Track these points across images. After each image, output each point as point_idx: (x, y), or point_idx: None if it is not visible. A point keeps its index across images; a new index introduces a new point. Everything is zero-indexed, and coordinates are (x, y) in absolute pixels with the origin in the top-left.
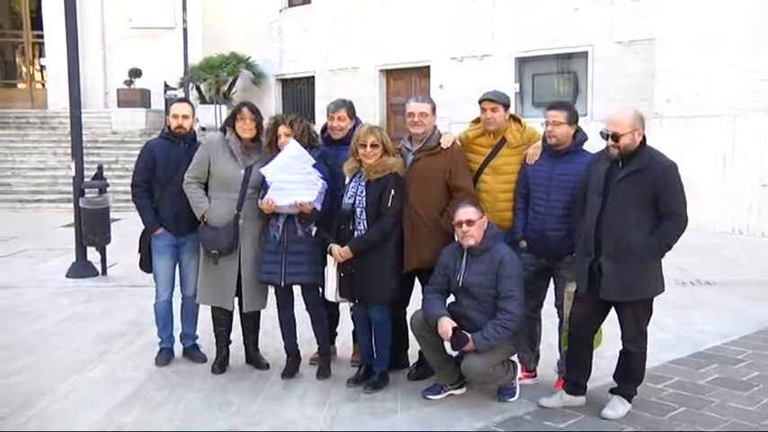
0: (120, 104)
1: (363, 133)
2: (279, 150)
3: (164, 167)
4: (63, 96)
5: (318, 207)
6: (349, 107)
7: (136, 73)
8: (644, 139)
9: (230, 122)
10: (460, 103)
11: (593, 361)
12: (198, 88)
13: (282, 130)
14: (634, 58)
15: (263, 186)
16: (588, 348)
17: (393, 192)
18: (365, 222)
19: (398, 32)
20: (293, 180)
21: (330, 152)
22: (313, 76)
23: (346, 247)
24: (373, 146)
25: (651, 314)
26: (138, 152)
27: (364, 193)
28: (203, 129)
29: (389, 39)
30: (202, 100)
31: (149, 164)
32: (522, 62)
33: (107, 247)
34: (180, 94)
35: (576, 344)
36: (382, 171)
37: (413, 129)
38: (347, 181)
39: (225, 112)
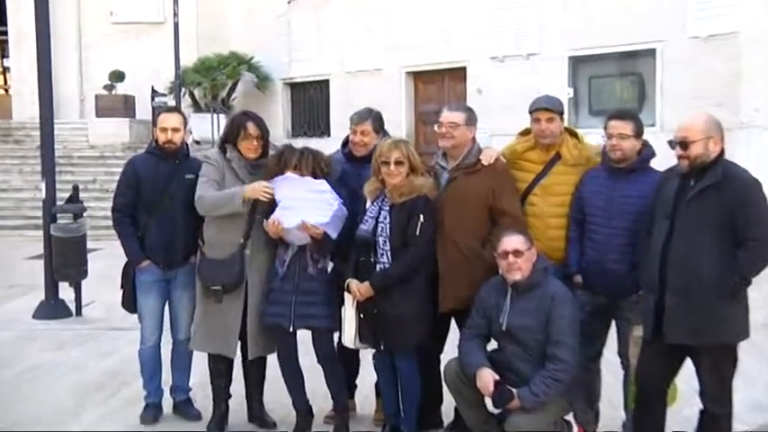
0: (100, 113)
1: (386, 148)
2: None
3: (151, 188)
4: (31, 104)
5: (334, 235)
6: (376, 119)
7: (118, 76)
8: (722, 151)
9: (231, 138)
10: (502, 112)
11: (667, 422)
12: (191, 94)
13: (289, 174)
14: (714, 57)
15: (269, 207)
16: (660, 407)
17: (422, 217)
18: (389, 253)
19: (428, 27)
20: (305, 198)
21: (351, 171)
22: (327, 80)
23: (366, 283)
24: (398, 163)
25: (736, 365)
26: (120, 170)
27: (388, 218)
28: (197, 142)
29: (417, 35)
30: (196, 108)
31: (133, 184)
32: (576, 62)
33: (83, 282)
34: (170, 101)
35: (646, 401)
36: (409, 193)
37: (441, 142)
38: (368, 204)
39: (223, 121)
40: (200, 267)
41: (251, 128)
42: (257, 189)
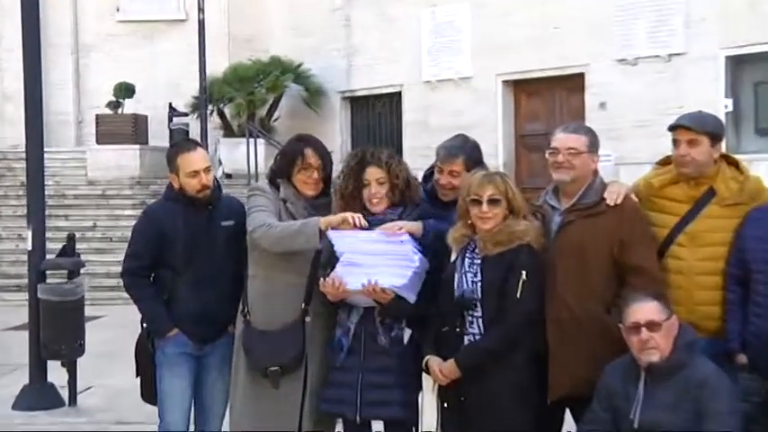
0: (101, 139)
1: (477, 183)
2: (365, 212)
3: (180, 246)
4: (14, 128)
5: (412, 298)
6: (471, 155)
7: (126, 90)
8: None
9: (284, 171)
10: (633, 133)
11: None
12: (221, 113)
13: (373, 174)
14: None
15: (328, 261)
16: None
17: (525, 274)
18: (480, 322)
19: (533, 22)
20: (375, 251)
21: (436, 214)
22: (399, 93)
23: (451, 362)
24: (492, 202)
25: None
26: (129, 213)
27: (479, 275)
28: (228, 176)
29: (518, 32)
30: (227, 131)
31: (155, 243)
32: (736, 64)
33: (79, 361)
34: (193, 122)
35: None
36: (507, 241)
37: (557, 174)
38: (453, 257)
39: (262, 148)
40: (247, 342)
41: (310, 156)
42: (339, 216)
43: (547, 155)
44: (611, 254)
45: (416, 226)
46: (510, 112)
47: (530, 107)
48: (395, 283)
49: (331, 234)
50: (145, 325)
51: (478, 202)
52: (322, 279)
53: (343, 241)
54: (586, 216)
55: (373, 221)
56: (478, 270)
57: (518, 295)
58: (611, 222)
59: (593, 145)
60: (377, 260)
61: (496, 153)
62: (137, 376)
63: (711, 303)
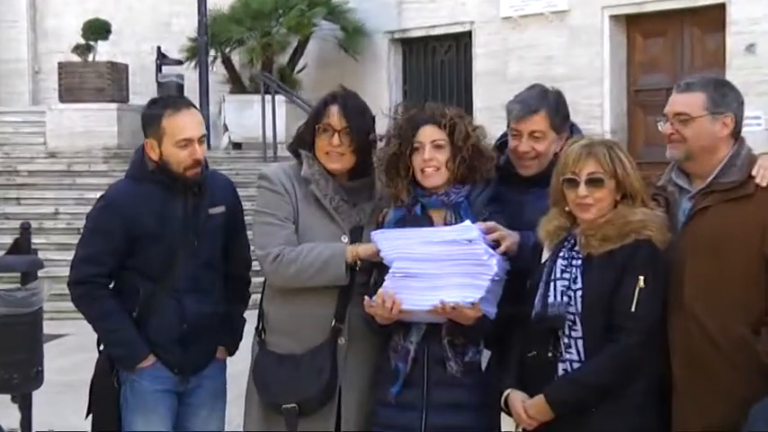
0: (66, 96)
1: (574, 156)
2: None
3: (160, 245)
4: None
5: (492, 312)
6: (555, 109)
7: (98, 30)
8: None
9: (306, 140)
10: None
11: None
12: (227, 61)
13: (429, 134)
14: None
15: (377, 271)
16: None
17: (643, 280)
18: (580, 345)
19: None
20: (437, 257)
21: (511, 198)
22: (469, 33)
23: (540, 399)
24: (594, 182)
25: None
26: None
27: (580, 281)
28: (237, 145)
29: None
30: (236, 85)
31: (122, 243)
32: None
33: (35, 394)
34: (189, 72)
35: None
36: (619, 236)
37: (668, 151)
38: (545, 257)
39: (284, 110)
40: (260, 369)
41: (333, 114)
42: (372, 246)
43: (659, 125)
44: (760, 252)
45: (512, 239)
46: (621, 59)
47: (647, 52)
48: (469, 297)
49: (375, 236)
50: (107, 351)
51: (575, 183)
52: (367, 298)
53: (391, 244)
54: (727, 200)
55: (428, 203)
56: (578, 274)
57: (633, 308)
58: (763, 209)
59: (718, 104)
60: (440, 267)
61: (601, 115)
62: (90, 417)
63: None
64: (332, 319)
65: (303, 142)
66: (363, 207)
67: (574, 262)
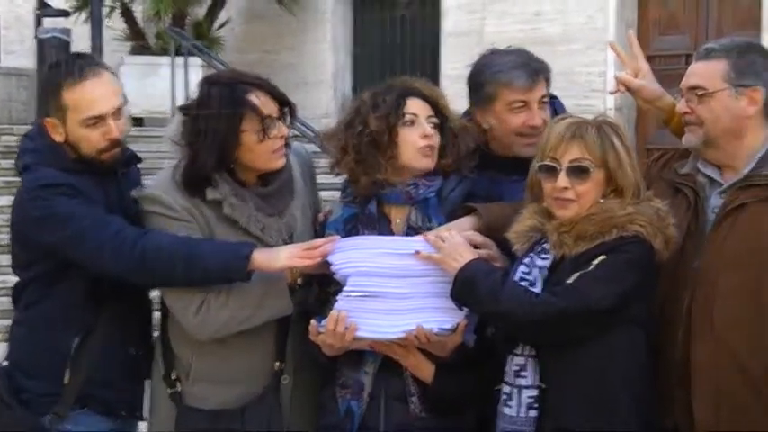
0: None
1: (556, 138)
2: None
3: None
4: None
5: (471, 340)
6: (549, 80)
7: None
8: None
9: (215, 162)
10: None
11: None
12: (126, 13)
13: (421, 107)
14: None
15: (317, 287)
16: None
17: (604, 258)
18: (533, 368)
19: None
20: (404, 272)
21: (492, 189)
22: None
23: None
24: (576, 171)
25: None
26: None
27: (539, 287)
28: (138, 121)
29: None
30: (138, 45)
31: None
32: None
33: None
34: (76, 28)
35: None
36: (598, 233)
37: (687, 134)
38: (518, 262)
39: (199, 74)
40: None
41: (263, 102)
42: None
43: (679, 103)
44: None
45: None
46: (629, 17)
47: (665, 8)
48: (447, 324)
49: (329, 247)
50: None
51: (554, 171)
52: (314, 322)
53: (344, 255)
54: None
55: (388, 197)
56: (538, 279)
57: (570, 280)
58: None
59: (743, 75)
60: (410, 285)
61: (604, 87)
62: None
63: None
64: (273, 358)
65: (207, 167)
66: (292, 213)
67: (538, 262)
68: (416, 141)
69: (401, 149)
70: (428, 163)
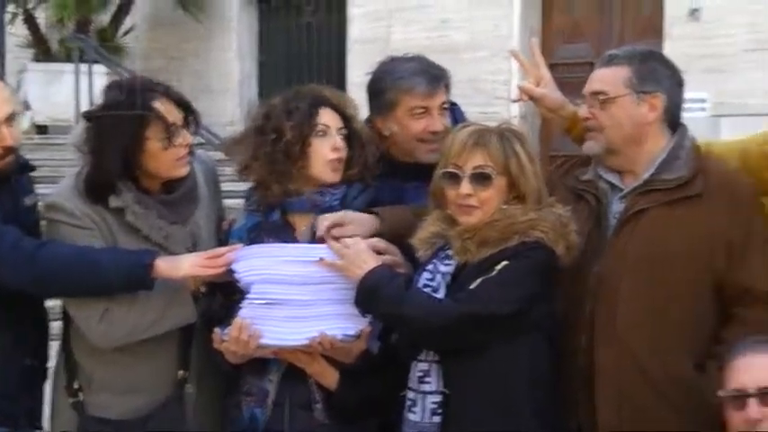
0: None
1: (459, 145)
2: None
3: None
4: None
5: (376, 347)
6: (448, 85)
7: None
8: None
9: (119, 168)
10: (745, 63)
11: None
12: (29, 19)
13: (332, 118)
14: None
15: (221, 295)
16: None
17: (506, 265)
18: (440, 373)
19: None
20: (307, 280)
21: (392, 197)
22: None
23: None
24: (480, 179)
25: None
26: None
27: (442, 293)
28: (41, 129)
29: None
30: (41, 51)
31: None
32: None
33: None
34: None
35: None
36: (500, 239)
37: (587, 141)
38: (421, 269)
39: (104, 81)
40: None
41: (167, 109)
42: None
43: (580, 109)
44: (709, 266)
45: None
46: (533, 25)
47: (568, 16)
48: (350, 330)
49: (232, 255)
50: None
51: (457, 178)
52: (217, 330)
53: (248, 263)
54: (669, 202)
55: (292, 205)
56: (441, 286)
57: (472, 286)
58: (714, 215)
59: (645, 81)
60: (313, 293)
61: (508, 95)
62: None
63: None
64: (176, 367)
65: (110, 174)
66: (196, 221)
67: (441, 268)
68: (327, 154)
69: (312, 160)
70: (335, 176)
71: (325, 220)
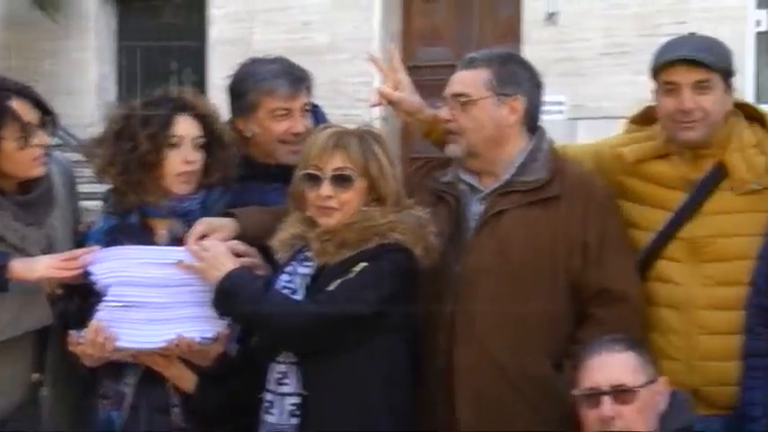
0: None
1: (320, 147)
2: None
3: None
4: None
5: (234, 349)
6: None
7: None
8: None
9: None
10: (602, 67)
11: None
12: None
13: (188, 127)
14: None
15: (78, 297)
16: None
17: (364, 266)
18: (299, 376)
19: None
20: (164, 282)
21: (254, 197)
22: None
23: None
24: (340, 180)
25: None
26: None
27: (301, 294)
28: None
29: None
30: None
31: None
32: None
33: None
34: None
35: None
36: (359, 241)
37: (449, 144)
38: (280, 270)
39: None
40: None
41: (23, 110)
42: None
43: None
44: (566, 267)
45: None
46: (394, 27)
47: (428, 19)
48: (208, 333)
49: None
50: None
51: (318, 180)
52: (73, 333)
53: (106, 266)
54: (528, 203)
55: (150, 210)
56: (300, 287)
57: (331, 287)
58: (570, 215)
59: (505, 84)
60: (170, 295)
61: (369, 98)
62: None
63: (724, 357)
64: (31, 370)
65: None
66: (52, 223)
67: (300, 270)
68: (177, 166)
69: (165, 171)
70: (186, 188)
71: (192, 236)
